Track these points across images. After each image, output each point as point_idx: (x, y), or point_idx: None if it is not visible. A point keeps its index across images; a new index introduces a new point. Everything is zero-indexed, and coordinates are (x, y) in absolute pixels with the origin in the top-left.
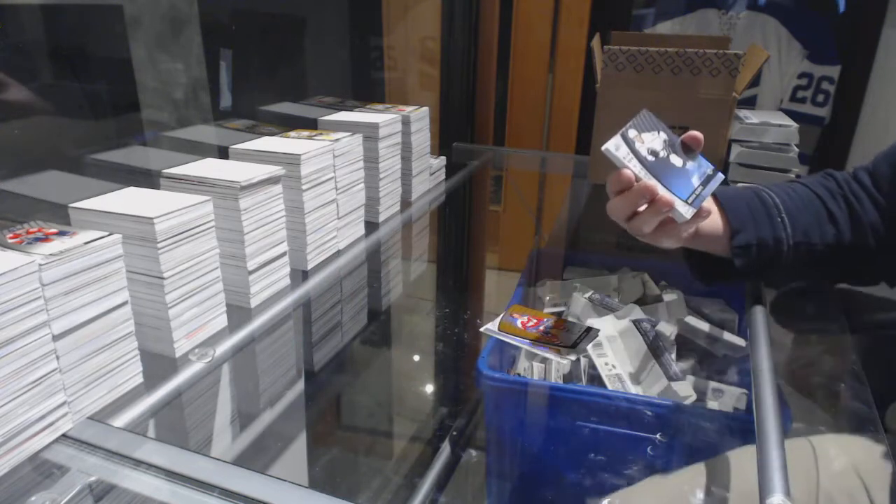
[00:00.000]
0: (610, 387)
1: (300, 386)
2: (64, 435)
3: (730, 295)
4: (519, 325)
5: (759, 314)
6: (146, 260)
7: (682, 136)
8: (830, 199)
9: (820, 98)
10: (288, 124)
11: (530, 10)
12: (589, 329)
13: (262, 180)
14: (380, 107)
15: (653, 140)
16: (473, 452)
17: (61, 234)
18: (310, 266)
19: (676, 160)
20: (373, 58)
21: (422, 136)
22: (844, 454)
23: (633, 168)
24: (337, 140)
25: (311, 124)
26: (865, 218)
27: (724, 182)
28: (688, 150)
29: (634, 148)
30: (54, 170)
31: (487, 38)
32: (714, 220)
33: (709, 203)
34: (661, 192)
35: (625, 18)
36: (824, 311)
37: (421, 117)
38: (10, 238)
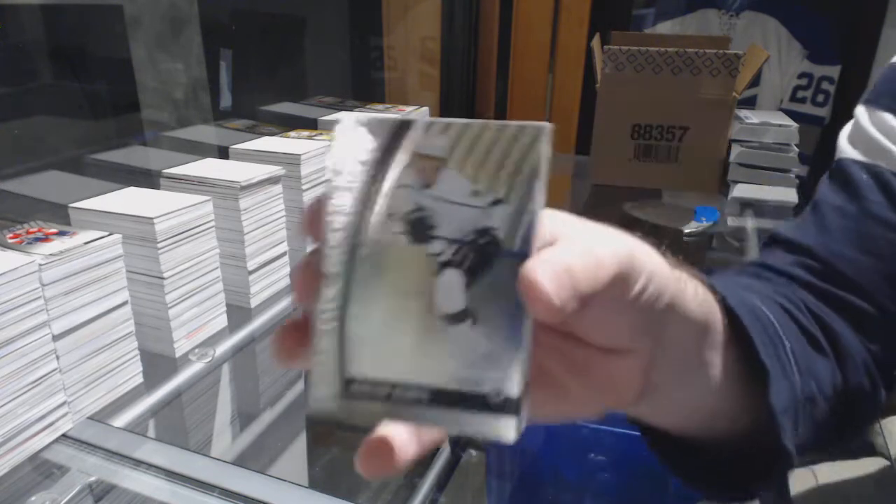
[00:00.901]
0: None
1: (300, 386)
2: (64, 435)
3: None
4: None
5: None
6: (146, 260)
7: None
8: (804, 318)
9: (820, 98)
10: (288, 124)
11: (530, 10)
12: None
13: (262, 180)
14: (380, 107)
15: (398, 192)
16: (473, 452)
17: (61, 234)
18: None
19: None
20: (373, 58)
21: None
22: (845, 481)
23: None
24: None
25: (311, 124)
26: (847, 350)
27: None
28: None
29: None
30: (54, 170)
31: (487, 38)
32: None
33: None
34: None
35: (625, 18)
36: None
37: (421, 117)
38: (10, 238)
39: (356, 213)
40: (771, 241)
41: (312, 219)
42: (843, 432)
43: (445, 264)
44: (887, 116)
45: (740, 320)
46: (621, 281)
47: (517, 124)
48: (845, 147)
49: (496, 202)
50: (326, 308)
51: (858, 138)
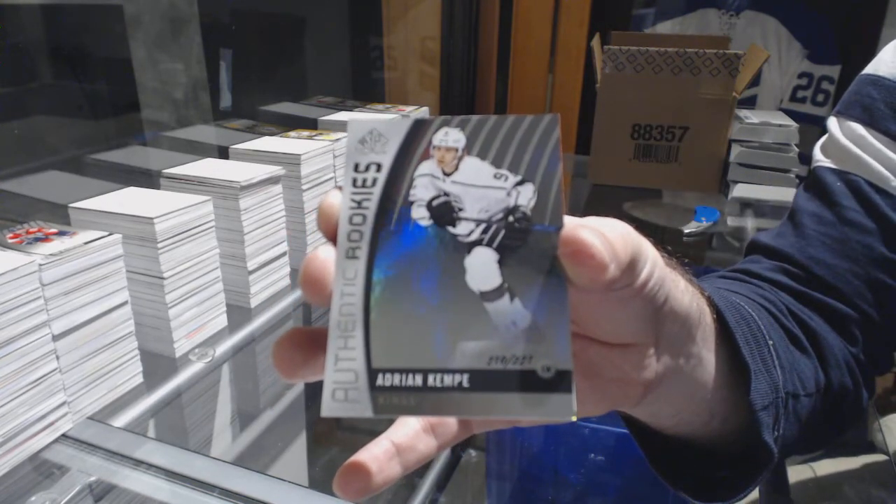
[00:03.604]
0: None
1: (300, 386)
2: (64, 435)
3: None
4: None
5: None
6: (146, 260)
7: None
8: (785, 319)
9: (820, 98)
10: (288, 124)
11: (530, 9)
12: None
13: (262, 180)
14: (380, 107)
15: (419, 182)
16: (473, 452)
17: (61, 234)
18: None
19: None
20: (373, 58)
21: None
22: (844, 478)
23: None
24: (337, 140)
25: (311, 124)
26: (829, 349)
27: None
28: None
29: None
30: (54, 170)
31: (487, 38)
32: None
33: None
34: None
35: (625, 18)
36: None
37: (421, 117)
38: (10, 238)
39: (376, 203)
40: (750, 248)
41: (327, 214)
42: (828, 431)
43: (475, 244)
44: (857, 126)
45: (724, 317)
46: (634, 263)
47: (532, 115)
48: (819, 157)
49: (521, 183)
50: (346, 298)
51: (831, 148)
